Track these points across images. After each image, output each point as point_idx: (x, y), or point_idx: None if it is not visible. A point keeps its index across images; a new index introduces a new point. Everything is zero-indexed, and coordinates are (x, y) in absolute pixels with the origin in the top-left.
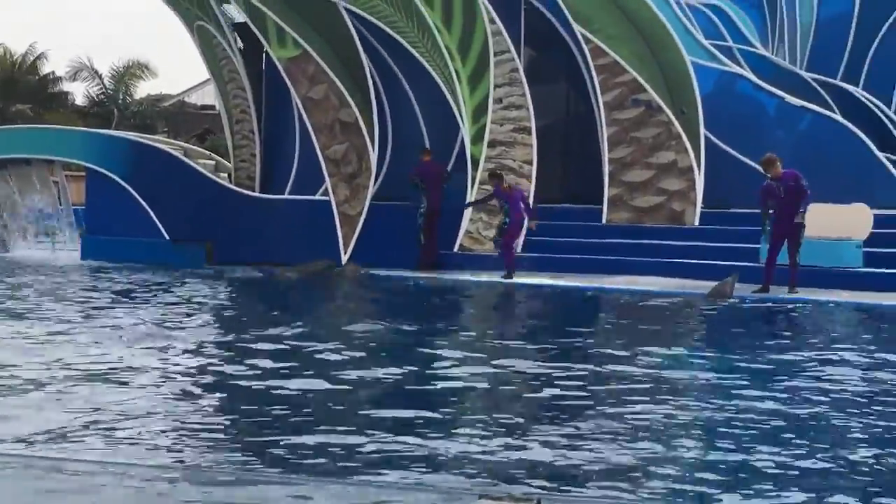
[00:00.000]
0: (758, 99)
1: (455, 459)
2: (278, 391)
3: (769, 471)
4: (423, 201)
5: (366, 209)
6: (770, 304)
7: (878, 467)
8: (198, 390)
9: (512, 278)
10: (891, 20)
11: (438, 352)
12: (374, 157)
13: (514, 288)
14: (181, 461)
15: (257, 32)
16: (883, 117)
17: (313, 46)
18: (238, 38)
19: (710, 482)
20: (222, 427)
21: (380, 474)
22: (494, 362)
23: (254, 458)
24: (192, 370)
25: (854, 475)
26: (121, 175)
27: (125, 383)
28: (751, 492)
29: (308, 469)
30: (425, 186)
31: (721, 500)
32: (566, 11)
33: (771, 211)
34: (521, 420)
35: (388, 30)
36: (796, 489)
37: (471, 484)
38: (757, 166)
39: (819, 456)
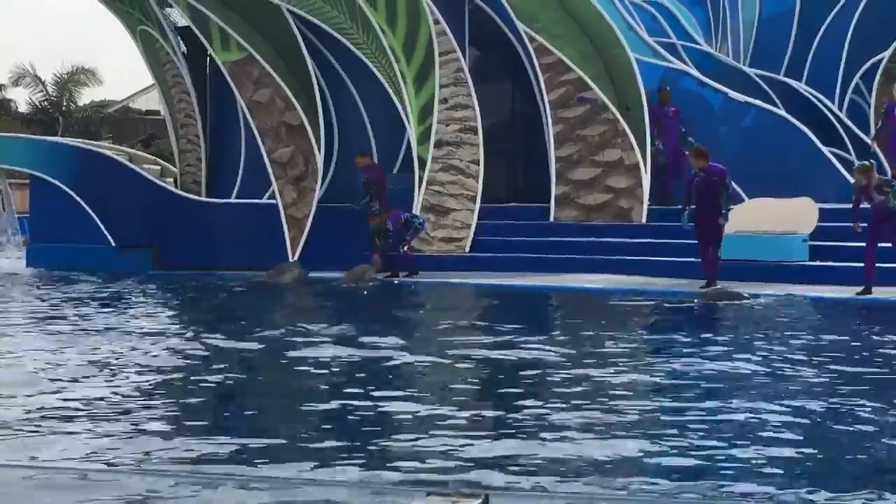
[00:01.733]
0: (702, 95)
1: (406, 454)
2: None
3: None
4: (374, 204)
5: (313, 212)
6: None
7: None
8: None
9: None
10: (832, 15)
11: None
12: (320, 159)
13: (451, 286)
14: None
15: (200, 36)
16: (826, 112)
17: (257, 49)
18: (181, 42)
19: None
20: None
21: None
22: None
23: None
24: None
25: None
26: (66, 182)
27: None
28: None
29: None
30: (378, 189)
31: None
32: (510, 10)
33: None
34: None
35: (332, 31)
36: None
37: (418, 480)
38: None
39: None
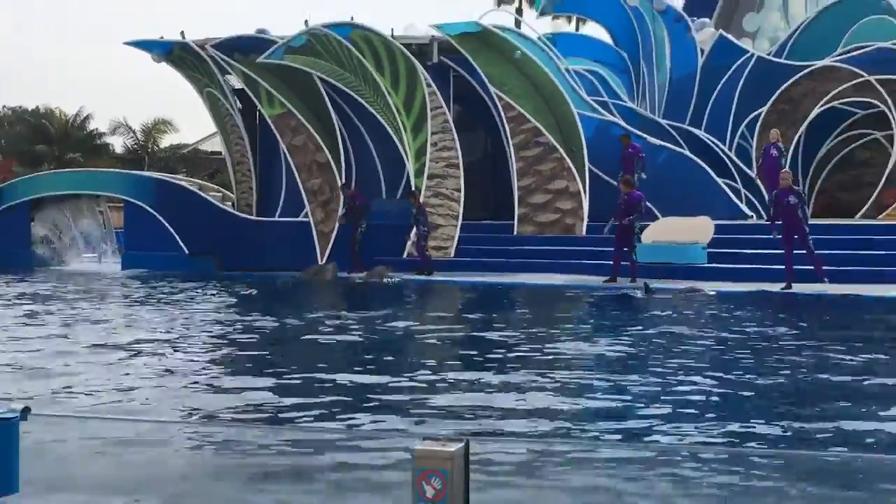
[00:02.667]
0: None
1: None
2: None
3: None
4: (363, 223)
5: (336, 228)
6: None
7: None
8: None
9: (432, 273)
10: (724, 80)
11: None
12: (351, 187)
13: (441, 283)
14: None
15: (252, 96)
16: (719, 152)
17: (294, 106)
18: (237, 100)
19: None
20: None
21: (351, 418)
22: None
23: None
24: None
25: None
26: (150, 205)
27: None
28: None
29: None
30: (364, 209)
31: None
32: (484, 77)
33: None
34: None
35: (351, 93)
36: None
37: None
38: (634, 191)
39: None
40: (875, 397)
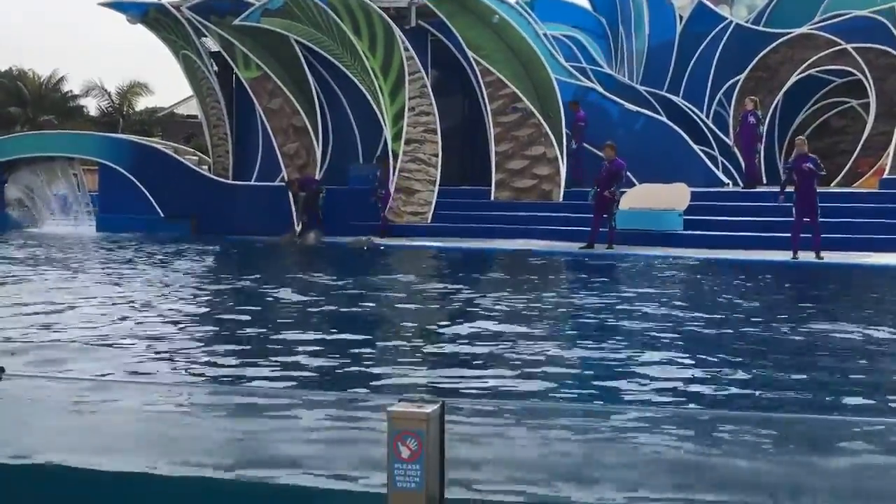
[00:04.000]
0: (604, 106)
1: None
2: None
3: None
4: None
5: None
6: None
7: None
8: None
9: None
10: (702, 47)
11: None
12: (318, 152)
13: (421, 248)
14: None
15: (228, 59)
16: (697, 119)
17: (271, 69)
18: (213, 63)
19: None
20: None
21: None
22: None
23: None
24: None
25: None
26: (126, 168)
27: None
28: None
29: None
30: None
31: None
32: (462, 41)
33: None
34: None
35: (327, 56)
36: None
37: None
38: (618, 159)
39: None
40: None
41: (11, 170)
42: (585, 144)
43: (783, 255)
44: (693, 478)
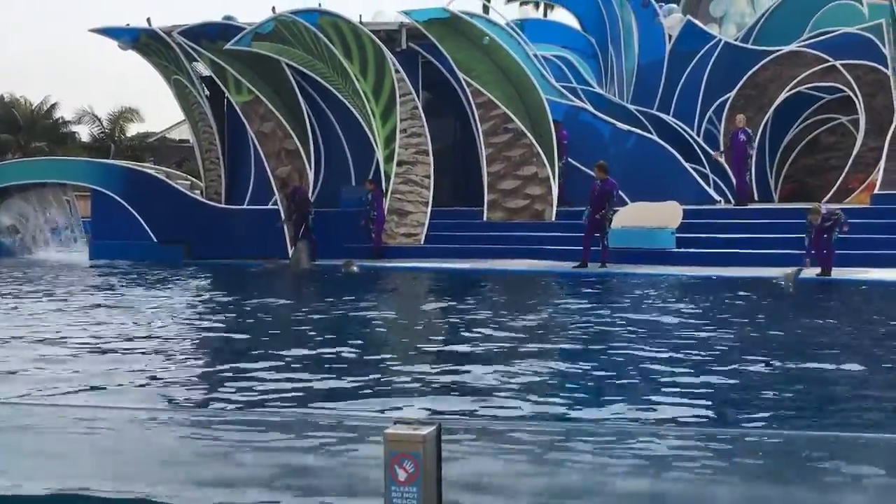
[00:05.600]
0: (595, 125)
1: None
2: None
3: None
4: (311, 212)
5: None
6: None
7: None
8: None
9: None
10: (691, 66)
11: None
12: (311, 175)
13: (414, 270)
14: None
15: (220, 83)
16: (687, 137)
17: (263, 93)
18: (205, 88)
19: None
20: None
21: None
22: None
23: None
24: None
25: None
26: (118, 193)
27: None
28: None
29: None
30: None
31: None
32: (453, 63)
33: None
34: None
35: (319, 79)
36: None
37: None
38: (609, 179)
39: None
40: None
41: (3, 197)
42: (571, 160)
43: (778, 272)
44: None
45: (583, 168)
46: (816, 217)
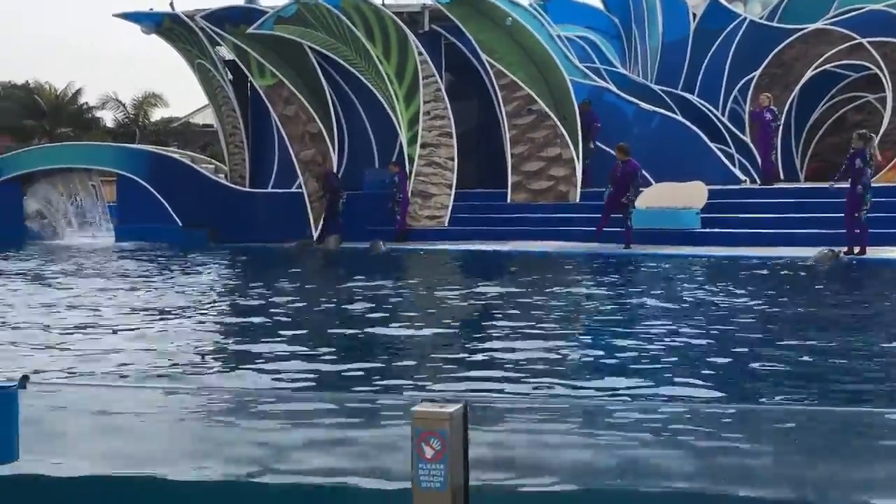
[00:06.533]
0: (620, 106)
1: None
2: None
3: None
4: (342, 195)
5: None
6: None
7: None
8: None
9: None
10: (716, 44)
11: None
12: (334, 158)
13: (444, 251)
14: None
15: (243, 67)
16: (713, 117)
17: (286, 76)
18: (228, 72)
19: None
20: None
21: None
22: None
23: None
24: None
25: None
26: (143, 178)
27: None
28: None
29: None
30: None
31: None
32: (476, 44)
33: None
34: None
35: (342, 62)
36: None
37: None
38: (632, 160)
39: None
40: None
41: (30, 182)
42: (599, 143)
43: (808, 252)
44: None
45: (607, 149)
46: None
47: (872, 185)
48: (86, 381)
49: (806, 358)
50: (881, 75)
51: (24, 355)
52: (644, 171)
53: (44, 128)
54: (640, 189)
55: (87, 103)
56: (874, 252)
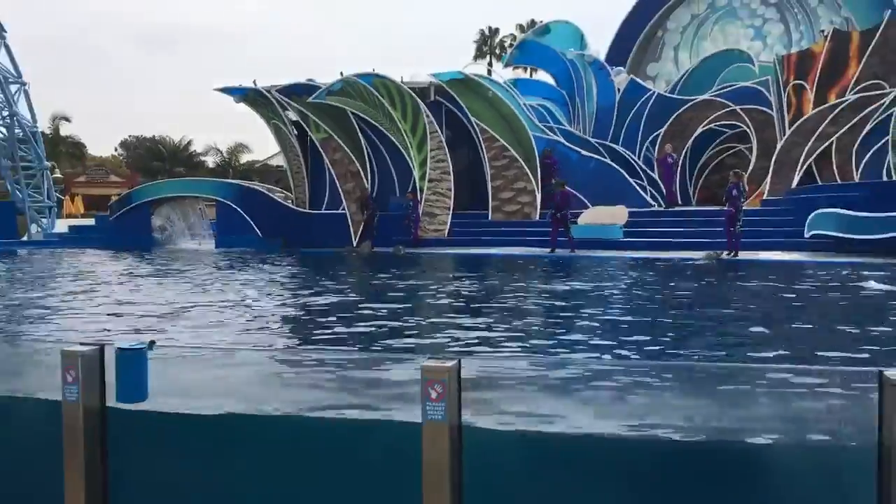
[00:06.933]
0: (567, 153)
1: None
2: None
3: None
4: (376, 214)
5: (364, 217)
6: (558, 258)
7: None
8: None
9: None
10: (635, 109)
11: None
12: (368, 189)
13: (441, 254)
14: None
15: (304, 125)
16: (632, 161)
17: (334, 132)
18: (294, 128)
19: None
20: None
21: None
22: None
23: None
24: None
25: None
26: (235, 202)
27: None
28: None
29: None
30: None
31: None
32: (467, 110)
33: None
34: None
35: (374, 122)
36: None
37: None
38: (567, 190)
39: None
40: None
41: (156, 206)
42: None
43: (698, 254)
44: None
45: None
46: (737, 178)
47: (744, 208)
48: (195, 343)
49: (688, 320)
50: (749, 132)
51: (152, 322)
52: (584, 199)
53: (165, 168)
54: (575, 210)
55: (195, 150)
56: (745, 255)
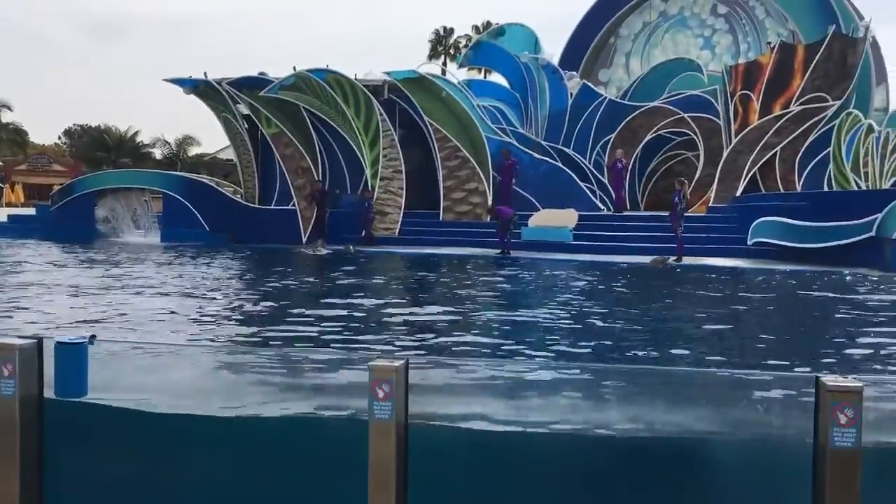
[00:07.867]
0: (519, 156)
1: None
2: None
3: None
4: (327, 209)
5: (314, 213)
6: (509, 259)
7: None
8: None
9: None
10: (586, 114)
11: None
12: (320, 182)
13: (390, 253)
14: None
15: (255, 119)
16: (583, 165)
17: (286, 127)
18: (245, 122)
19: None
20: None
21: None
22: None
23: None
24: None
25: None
26: (182, 195)
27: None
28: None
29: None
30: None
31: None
32: (420, 109)
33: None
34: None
35: (326, 118)
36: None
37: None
38: (518, 190)
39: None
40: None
41: (100, 197)
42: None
43: (645, 258)
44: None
45: (512, 186)
46: (680, 186)
47: (687, 215)
48: (136, 340)
49: (631, 318)
50: (696, 140)
51: (93, 313)
52: (535, 201)
53: (110, 159)
54: (529, 214)
55: (142, 141)
56: (689, 260)
